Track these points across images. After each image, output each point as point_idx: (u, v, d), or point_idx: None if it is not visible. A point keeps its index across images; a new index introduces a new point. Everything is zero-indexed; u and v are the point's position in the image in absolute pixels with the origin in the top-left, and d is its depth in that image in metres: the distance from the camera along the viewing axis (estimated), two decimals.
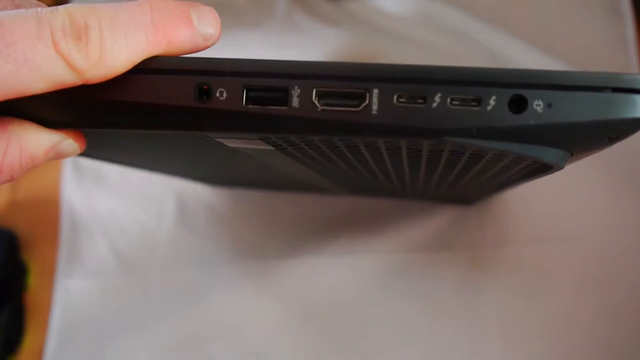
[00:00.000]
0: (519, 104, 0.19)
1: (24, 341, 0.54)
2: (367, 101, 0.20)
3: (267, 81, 0.20)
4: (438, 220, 0.53)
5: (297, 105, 0.20)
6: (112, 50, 0.19)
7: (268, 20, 0.59)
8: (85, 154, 0.28)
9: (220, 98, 0.20)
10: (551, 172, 0.25)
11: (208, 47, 0.22)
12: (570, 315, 0.49)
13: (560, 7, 0.56)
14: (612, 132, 0.20)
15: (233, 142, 0.24)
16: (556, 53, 0.54)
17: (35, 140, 0.22)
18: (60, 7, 0.19)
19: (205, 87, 0.20)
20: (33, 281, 0.56)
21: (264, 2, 0.60)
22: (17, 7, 0.21)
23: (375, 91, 0.19)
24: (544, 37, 0.55)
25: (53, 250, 0.56)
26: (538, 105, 0.19)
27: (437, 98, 0.19)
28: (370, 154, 0.26)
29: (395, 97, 0.19)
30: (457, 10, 0.57)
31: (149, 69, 0.20)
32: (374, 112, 0.20)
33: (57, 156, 0.23)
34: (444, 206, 0.53)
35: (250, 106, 0.20)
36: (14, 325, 0.53)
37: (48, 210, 0.58)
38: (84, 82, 0.19)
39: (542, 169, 0.25)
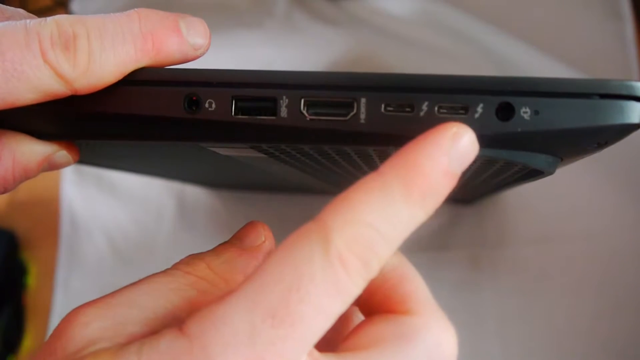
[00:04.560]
0: (506, 112, 0.19)
1: (24, 341, 0.55)
2: (355, 110, 0.20)
3: (256, 91, 0.20)
4: (437, 220, 0.53)
5: (286, 115, 0.20)
6: (100, 59, 0.19)
7: (268, 20, 0.59)
8: (81, 162, 0.28)
9: (210, 109, 0.20)
10: (543, 177, 0.25)
11: (197, 57, 0.22)
12: (570, 315, 0.49)
13: (560, 7, 0.56)
14: (601, 137, 0.20)
15: (225, 151, 0.24)
16: (555, 53, 0.53)
17: (28, 152, 0.22)
18: (49, 18, 0.19)
19: (194, 97, 0.20)
20: (33, 281, 0.57)
21: (263, 3, 0.60)
22: (8, 19, 0.21)
23: (363, 100, 0.20)
24: (544, 38, 0.54)
25: (53, 250, 0.56)
26: (525, 112, 0.19)
27: (425, 107, 0.19)
28: (362, 160, 0.26)
29: (382, 106, 0.20)
30: (457, 11, 0.56)
31: (139, 80, 0.21)
32: (362, 121, 0.20)
33: (51, 167, 0.23)
34: (443, 206, 0.52)
35: (239, 116, 0.20)
36: (14, 325, 0.54)
37: (48, 210, 0.58)
38: (74, 92, 0.20)
39: (533, 173, 0.25)
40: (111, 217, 0.57)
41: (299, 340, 0.16)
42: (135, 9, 0.20)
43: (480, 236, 0.52)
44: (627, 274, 0.49)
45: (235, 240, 0.23)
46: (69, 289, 0.55)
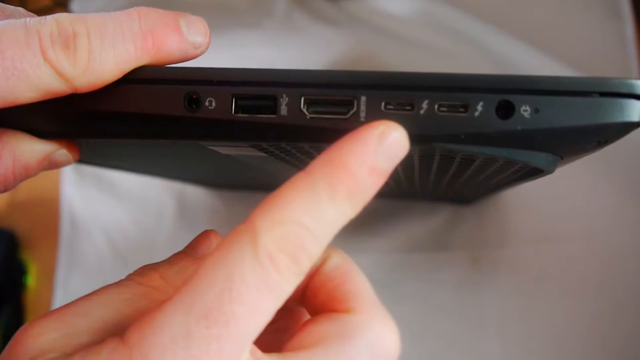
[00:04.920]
0: (506, 110, 0.19)
1: None
2: (355, 108, 0.20)
3: (256, 90, 0.20)
4: (437, 220, 0.53)
5: (286, 114, 0.20)
6: (100, 57, 0.19)
7: (267, 20, 0.59)
8: (81, 161, 0.28)
9: (210, 107, 0.20)
10: (543, 175, 0.25)
11: (197, 55, 0.22)
12: (570, 315, 0.49)
13: (560, 7, 0.56)
14: (601, 136, 0.20)
15: (225, 149, 0.24)
16: (555, 53, 0.53)
17: (28, 150, 0.22)
18: (49, 17, 0.19)
19: (194, 96, 0.20)
20: (33, 281, 0.57)
21: (263, 3, 0.60)
22: (8, 17, 0.21)
23: (363, 98, 0.20)
24: (544, 37, 0.54)
25: (53, 250, 0.56)
26: (525, 110, 0.19)
27: (425, 105, 0.19)
28: None
29: (382, 104, 0.19)
30: (457, 11, 0.56)
31: (139, 78, 0.20)
32: (362, 119, 0.20)
33: (51, 166, 0.23)
34: (443, 206, 0.53)
35: (239, 115, 0.20)
36: (14, 325, 0.54)
37: (48, 210, 0.58)
38: (74, 91, 0.20)
39: (533, 172, 0.25)
40: (111, 217, 0.57)
41: (234, 338, 0.17)
42: (135, 8, 0.20)
43: (480, 236, 0.52)
44: (627, 274, 0.49)
45: (189, 250, 0.23)
46: (69, 289, 0.55)
